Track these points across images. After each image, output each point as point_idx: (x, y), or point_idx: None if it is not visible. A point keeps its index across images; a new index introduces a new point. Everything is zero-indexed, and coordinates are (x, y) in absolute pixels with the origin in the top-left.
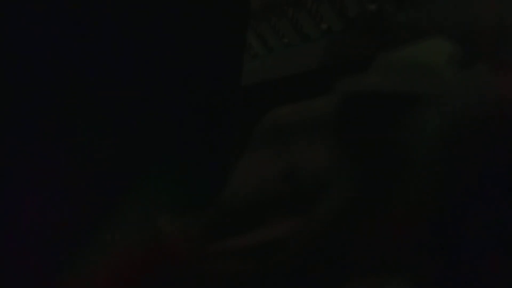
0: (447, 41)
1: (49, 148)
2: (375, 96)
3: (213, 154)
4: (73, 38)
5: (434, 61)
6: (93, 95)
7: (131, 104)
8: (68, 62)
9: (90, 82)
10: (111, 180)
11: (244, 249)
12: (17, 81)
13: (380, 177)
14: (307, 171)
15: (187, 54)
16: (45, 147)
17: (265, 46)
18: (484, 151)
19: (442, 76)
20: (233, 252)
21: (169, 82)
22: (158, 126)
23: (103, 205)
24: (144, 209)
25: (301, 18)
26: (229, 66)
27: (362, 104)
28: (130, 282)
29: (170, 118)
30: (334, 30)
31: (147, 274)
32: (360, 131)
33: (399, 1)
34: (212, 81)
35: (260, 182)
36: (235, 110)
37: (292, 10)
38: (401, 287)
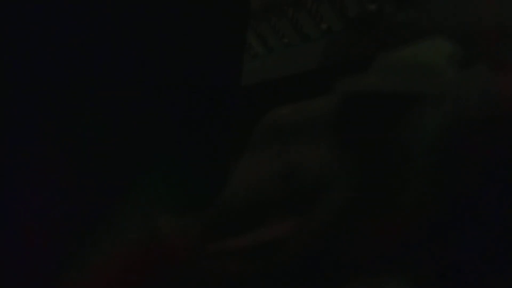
0: (447, 41)
1: (49, 147)
2: (375, 96)
3: (213, 154)
4: (72, 37)
5: (434, 61)
6: (92, 95)
7: (131, 104)
8: (67, 62)
9: (88, 81)
10: (110, 180)
11: (244, 249)
12: (16, 81)
13: (380, 177)
14: (307, 171)
15: (186, 54)
16: (45, 147)
17: (265, 46)
18: (484, 151)
19: (442, 76)
20: (233, 252)
21: (169, 82)
22: (158, 126)
23: (102, 205)
24: (144, 209)
25: (301, 18)
26: (229, 66)
27: (362, 104)
28: (130, 282)
29: (170, 118)
30: (334, 30)
31: (147, 274)
32: (360, 131)
33: (399, 1)
34: (212, 81)
35: (260, 182)
36: (235, 110)
37: (292, 10)
38: (401, 287)
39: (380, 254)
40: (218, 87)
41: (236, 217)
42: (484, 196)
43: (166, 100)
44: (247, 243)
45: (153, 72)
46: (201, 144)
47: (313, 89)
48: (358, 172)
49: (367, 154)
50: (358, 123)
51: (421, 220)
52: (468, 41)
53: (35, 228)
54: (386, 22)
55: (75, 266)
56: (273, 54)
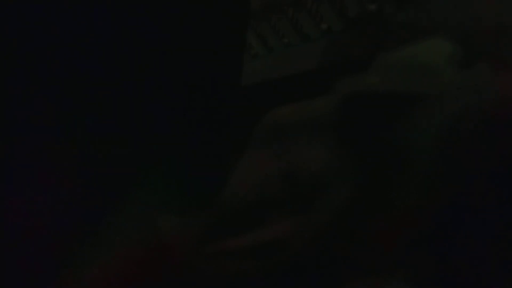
0: (447, 41)
1: (49, 147)
2: (375, 96)
3: (213, 154)
4: (72, 37)
5: (434, 61)
6: (92, 95)
7: (130, 104)
8: (67, 62)
9: (89, 82)
10: (110, 180)
11: (244, 249)
12: (16, 81)
13: (380, 177)
14: (307, 171)
15: (186, 54)
16: (45, 146)
17: (265, 46)
18: (484, 151)
19: (442, 76)
20: (233, 252)
21: (169, 82)
22: (158, 126)
23: (102, 205)
24: (144, 209)
25: (301, 18)
26: (229, 66)
27: (362, 104)
28: (130, 282)
29: (170, 118)
30: (334, 30)
31: (147, 274)
32: (360, 131)
33: (399, 1)
34: (212, 81)
35: (260, 182)
36: (235, 110)
37: (292, 10)
38: (401, 287)
39: (380, 254)
40: (218, 87)
41: (236, 217)
42: (484, 196)
43: (166, 100)
44: (247, 243)
45: (153, 72)
46: (201, 144)
47: (313, 89)
48: (358, 172)
49: (367, 154)
50: (358, 123)
51: (421, 219)
52: (468, 41)
53: (35, 228)
54: (386, 22)
55: (76, 265)
56: (273, 54)
